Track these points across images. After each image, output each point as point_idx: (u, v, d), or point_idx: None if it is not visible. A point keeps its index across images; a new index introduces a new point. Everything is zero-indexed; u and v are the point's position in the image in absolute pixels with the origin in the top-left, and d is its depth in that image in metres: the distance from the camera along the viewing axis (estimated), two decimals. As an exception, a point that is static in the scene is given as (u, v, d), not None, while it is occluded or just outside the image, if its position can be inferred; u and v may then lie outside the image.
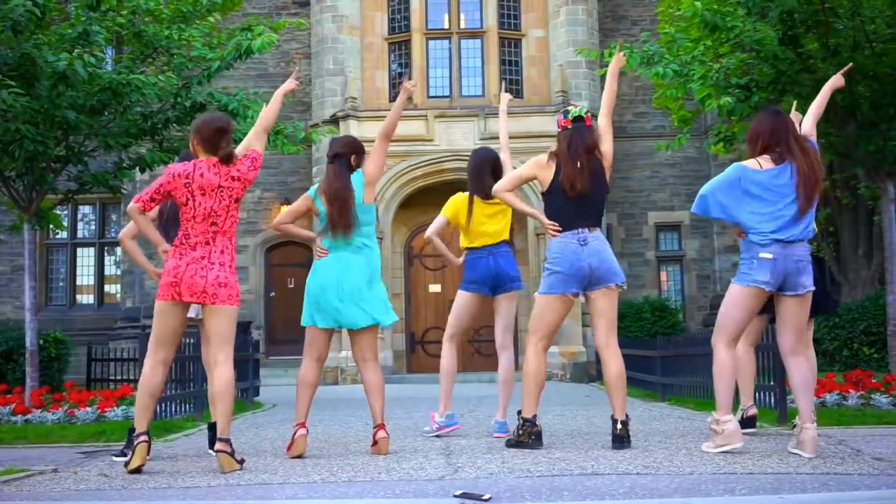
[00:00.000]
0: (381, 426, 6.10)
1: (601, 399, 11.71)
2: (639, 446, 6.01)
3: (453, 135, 19.17)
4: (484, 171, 7.11)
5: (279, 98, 6.10)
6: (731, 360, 5.73)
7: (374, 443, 6.07)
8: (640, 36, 14.93)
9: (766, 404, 8.33)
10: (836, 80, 6.59)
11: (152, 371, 5.53)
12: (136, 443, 5.40)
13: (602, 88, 21.94)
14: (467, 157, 16.65)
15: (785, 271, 5.57)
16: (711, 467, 4.99)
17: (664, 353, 11.85)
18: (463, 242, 7.19)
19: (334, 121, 19.35)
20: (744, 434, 6.63)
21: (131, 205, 5.57)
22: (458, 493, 4.31)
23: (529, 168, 6.28)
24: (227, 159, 5.54)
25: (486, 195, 6.98)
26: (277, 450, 6.45)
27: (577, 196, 6.04)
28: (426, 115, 19.34)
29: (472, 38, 20.24)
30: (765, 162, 5.68)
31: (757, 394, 8.32)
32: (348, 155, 6.29)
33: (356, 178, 6.24)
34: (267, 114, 5.94)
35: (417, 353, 20.16)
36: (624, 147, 21.47)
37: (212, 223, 5.49)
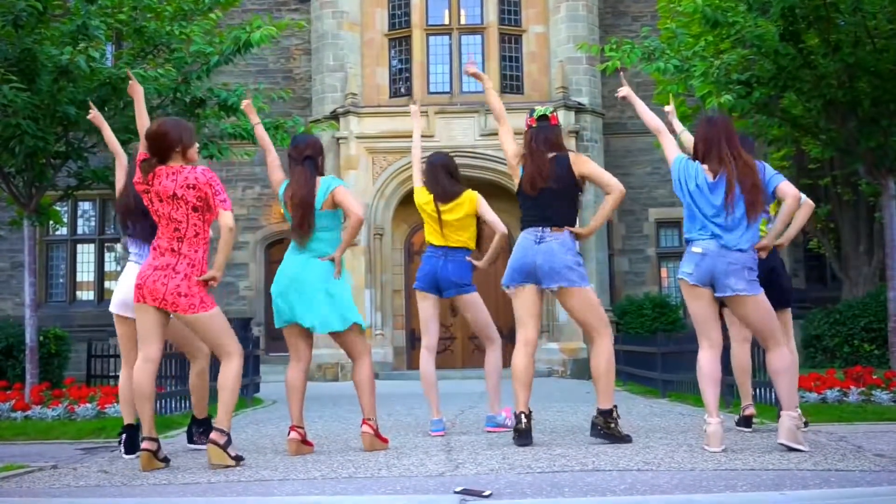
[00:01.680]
0: (365, 420, 6.10)
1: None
2: (639, 443, 6.01)
3: (453, 131, 19.13)
4: (439, 174, 7.14)
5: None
6: (706, 363, 5.73)
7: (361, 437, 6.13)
8: (640, 32, 14.91)
9: (767, 401, 8.34)
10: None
11: (138, 369, 5.51)
12: (141, 449, 5.41)
13: (602, 84, 21.77)
14: (468, 154, 16.68)
15: (712, 269, 5.60)
16: (712, 464, 4.98)
17: (665, 350, 11.83)
18: (427, 237, 7.23)
19: (334, 117, 19.34)
20: (741, 431, 6.65)
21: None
22: (458, 489, 4.30)
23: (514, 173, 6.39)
24: (144, 171, 5.53)
25: (444, 198, 7.03)
26: (277, 446, 6.45)
27: (538, 194, 6.11)
28: (426, 112, 19.27)
29: (472, 33, 20.20)
30: (707, 173, 5.71)
31: (758, 390, 8.33)
32: (316, 157, 6.22)
33: (325, 184, 6.11)
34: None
35: (417, 349, 20.07)
36: (624, 143, 21.45)
37: (174, 229, 5.49)
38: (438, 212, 7.03)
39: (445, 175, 7.14)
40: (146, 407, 5.45)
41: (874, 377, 9.10)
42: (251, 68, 20.83)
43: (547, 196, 6.12)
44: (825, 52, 10.87)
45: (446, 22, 20.24)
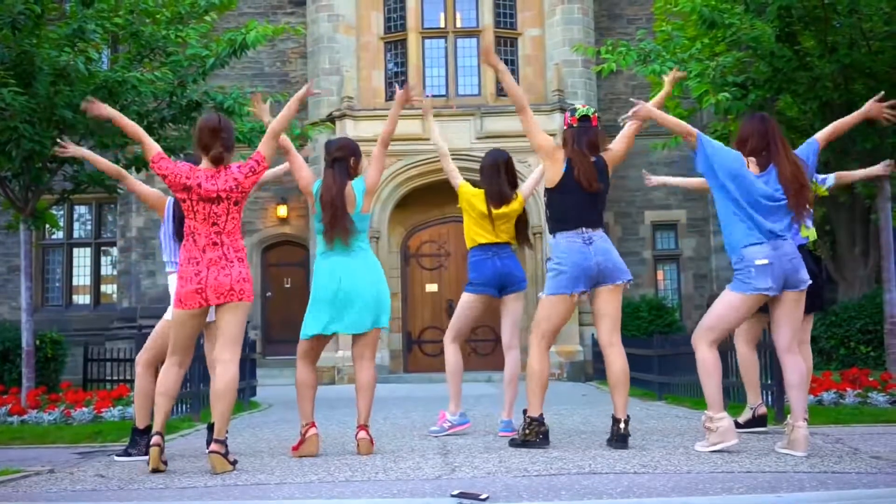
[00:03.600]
0: (363, 427, 6.09)
1: (598, 398, 11.70)
2: (636, 445, 6.00)
3: (449, 134, 19.01)
4: (497, 173, 7.08)
5: (294, 105, 5.85)
6: (714, 358, 5.74)
7: (357, 444, 6.08)
8: (636, 35, 14.92)
9: (763, 402, 8.32)
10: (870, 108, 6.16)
11: (169, 371, 5.57)
12: (150, 445, 5.43)
13: (598, 87, 21.64)
14: (463, 157, 16.70)
15: (784, 272, 5.59)
16: (709, 466, 4.98)
17: (661, 352, 11.84)
18: (469, 242, 7.16)
19: (331, 120, 19.34)
20: (754, 433, 6.66)
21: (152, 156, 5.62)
22: (455, 492, 4.30)
23: (546, 166, 6.21)
24: (218, 160, 5.54)
25: (498, 199, 6.99)
26: (274, 450, 6.44)
27: (586, 194, 6.01)
28: (422, 115, 19.30)
29: (467, 37, 20.22)
30: (752, 166, 5.74)
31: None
32: (347, 158, 6.23)
33: (357, 185, 6.20)
34: (278, 119, 5.81)
35: (414, 352, 20.15)
36: (620, 146, 21.43)
37: (213, 223, 5.49)
38: (490, 212, 6.99)
39: (506, 176, 7.06)
40: (167, 404, 5.55)
41: (870, 379, 9.10)
42: (247, 72, 20.83)
43: (593, 198, 6.05)
44: (821, 53, 10.89)
45: (442, 25, 20.26)
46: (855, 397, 8.49)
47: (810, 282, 5.70)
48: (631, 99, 6.36)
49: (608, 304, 6.06)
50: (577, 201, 6.02)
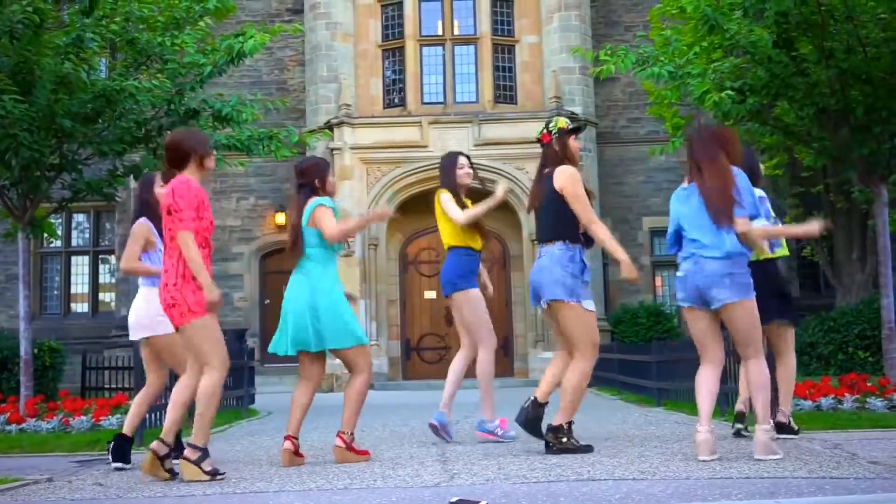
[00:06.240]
0: (339, 434, 6.15)
1: (596, 404, 11.70)
2: (635, 452, 6.01)
3: (447, 141, 19.13)
4: (451, 170, 7.37)
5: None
6: (706, 376, 5.75)
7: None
8: (633, 41, 14.91)
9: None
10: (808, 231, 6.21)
11: (184, 384, 5.66)
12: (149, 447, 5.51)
13: (595, 94, 21.69)
14: (462, 164, 16.22)
15: (696, 287, 5.60)
16: (707, 472, 4.98)
17: (659, 358, 11.83)
18: None
19: (329, 127, 19.36)
20: (741, 438, 6.66)
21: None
22: (454, 499, 4.30)
23: None
24: (165, 177, 5.73)
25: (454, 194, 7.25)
26: (273, 458, 6.44)
27: (534, 212, 6.42)
28: (420, 122, 19.35)
29: (465, 44, 20.26)
30: (685, 181, 5.83)
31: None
32: (310, 183, 6.36)
33: (310, 205, 6.27)
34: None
35: (413, 359, 20.13)
36: (618, 152, 21.49)
37: (171, 238, 5.52)
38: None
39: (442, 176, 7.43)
40: (174, 414, 5.55)
41: (868, 384, 9.11)
42: (245, 80, 20.86)
43: (540, 213, 6.31)
44: (818, 58, 10.89)
45: (439, 33, 20.29)
46: (853, 402, 8.50)
47: (725, 301, 5.51)
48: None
49: (556, 322, 6.29)
50: (535, 218, 6.45)
